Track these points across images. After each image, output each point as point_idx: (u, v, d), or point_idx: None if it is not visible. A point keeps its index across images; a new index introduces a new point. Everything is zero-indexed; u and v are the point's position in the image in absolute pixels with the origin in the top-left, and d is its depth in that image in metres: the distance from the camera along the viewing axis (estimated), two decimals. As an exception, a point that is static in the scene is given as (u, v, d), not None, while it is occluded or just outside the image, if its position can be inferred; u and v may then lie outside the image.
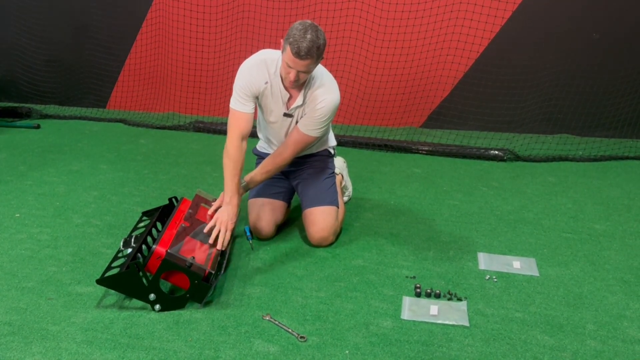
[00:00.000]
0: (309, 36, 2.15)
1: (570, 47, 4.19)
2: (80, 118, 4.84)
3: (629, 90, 4.15)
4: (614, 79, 4.17)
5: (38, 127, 4.52)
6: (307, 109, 2.42)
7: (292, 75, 2.24)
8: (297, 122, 2.47)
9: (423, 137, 4.27)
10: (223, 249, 2.28)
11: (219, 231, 2.28)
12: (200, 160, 3.76)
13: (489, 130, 4.39)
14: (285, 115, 2.46)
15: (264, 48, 2.48)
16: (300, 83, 2.33)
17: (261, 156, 2.75)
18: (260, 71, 2.38)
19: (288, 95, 2.41)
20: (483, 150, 3.92)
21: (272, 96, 2.43)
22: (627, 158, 3.89)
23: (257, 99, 2.45)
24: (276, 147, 2.66)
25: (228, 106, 2.46)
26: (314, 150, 2.69)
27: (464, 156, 3.92)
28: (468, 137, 4.23)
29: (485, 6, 4.11)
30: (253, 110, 2.43)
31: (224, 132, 2.80)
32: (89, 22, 4.92)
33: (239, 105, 2.39)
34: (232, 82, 2.43)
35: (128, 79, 5.01)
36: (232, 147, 2.39)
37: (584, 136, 4.29)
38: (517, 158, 3.87)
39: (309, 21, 2.22)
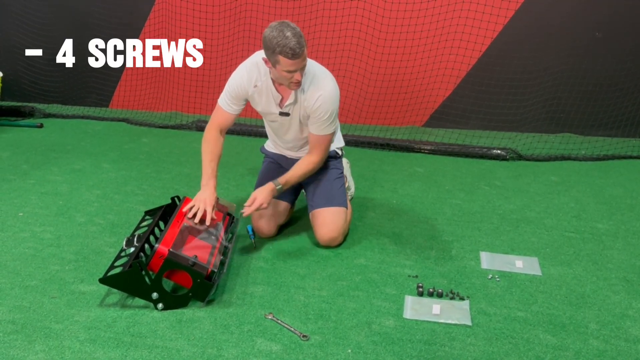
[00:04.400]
0: (288, 33, 2.12)
1: (572, 46, 4.19)
2: (83, 117, 4.85)
3: (632, 90, 4.14)
4: (616, 77, 4.16)
5: (41, 126, 4.53)
6: (307, 110, 2.41)
7: (297, 76, 2.23)
8: (300, 121, 2.47)
9: (425, 136, 4.26)
10: (197, 220, 2.32)
11: (198, 209, 2.33)
12: (203, 160, 3.76)
13: (492, 130, 4.38)
14: (282, 114, 2.48)
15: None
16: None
17: (268, 155, 2.80)
18: (250, 74, 2.41)
19: (280, 96, 2.42)
20: (485, 150, 3.91)
21: (264, 97, 2.45)
22: (630, 157, 3.88)
23: (246, 101, 2.50)
24: (280, 146, 2.69)
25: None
26: None
27: (467, 155, 3.91)
28: (470, 137, 4.23)
29: (488, 5, 4.11)
30: (235, 113, 2.52)
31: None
32: (91, 21, 4.93)
33: (225, 104, 2.51)
34: (234, 82, 2.45)
35: (131, 78, 5.02)
36: (210, 135, 2.52)
37: (586, 135, 4.28)
38: (520, 157, 3.86)
39: (274, 23, 2.18)
